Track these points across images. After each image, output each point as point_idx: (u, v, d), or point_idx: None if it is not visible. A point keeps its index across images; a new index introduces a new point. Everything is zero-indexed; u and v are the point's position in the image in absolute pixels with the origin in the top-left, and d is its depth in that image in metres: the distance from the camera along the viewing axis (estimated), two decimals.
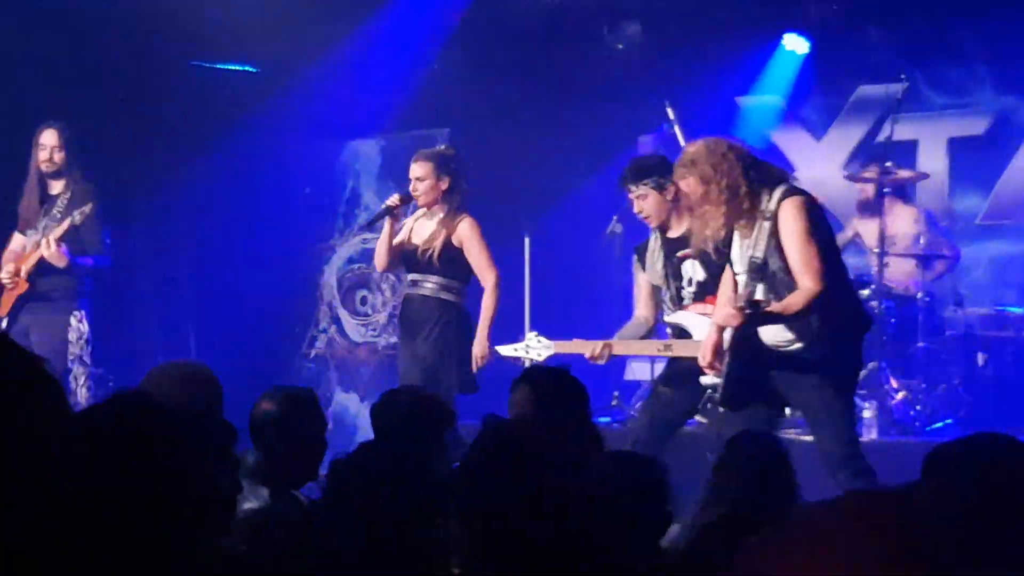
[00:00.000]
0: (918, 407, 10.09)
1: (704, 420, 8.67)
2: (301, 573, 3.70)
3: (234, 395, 5.57)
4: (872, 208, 10.74)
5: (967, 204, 11.90)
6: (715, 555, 4.16)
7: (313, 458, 5.41)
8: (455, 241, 8.91)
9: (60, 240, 9.21)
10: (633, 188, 8.28)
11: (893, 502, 1.57)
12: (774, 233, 7.01)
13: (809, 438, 8.91)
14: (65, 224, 9.16)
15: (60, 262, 9.18)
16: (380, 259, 9.26)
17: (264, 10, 11.35)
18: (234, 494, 2.87)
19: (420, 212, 9.15)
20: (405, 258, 9.13)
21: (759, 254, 7.04)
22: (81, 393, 9.33)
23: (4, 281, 9.40)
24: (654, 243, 8.39)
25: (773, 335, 7.08)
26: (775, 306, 6.98)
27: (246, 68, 12.95)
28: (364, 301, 12.61)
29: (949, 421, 10.01)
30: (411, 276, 9.13)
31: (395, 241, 9.10)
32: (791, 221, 7.02)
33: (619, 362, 11.53)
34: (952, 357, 10.42)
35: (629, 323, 8.58)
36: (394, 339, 11.04)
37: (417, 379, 8.44)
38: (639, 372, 11.22)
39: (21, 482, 1.39)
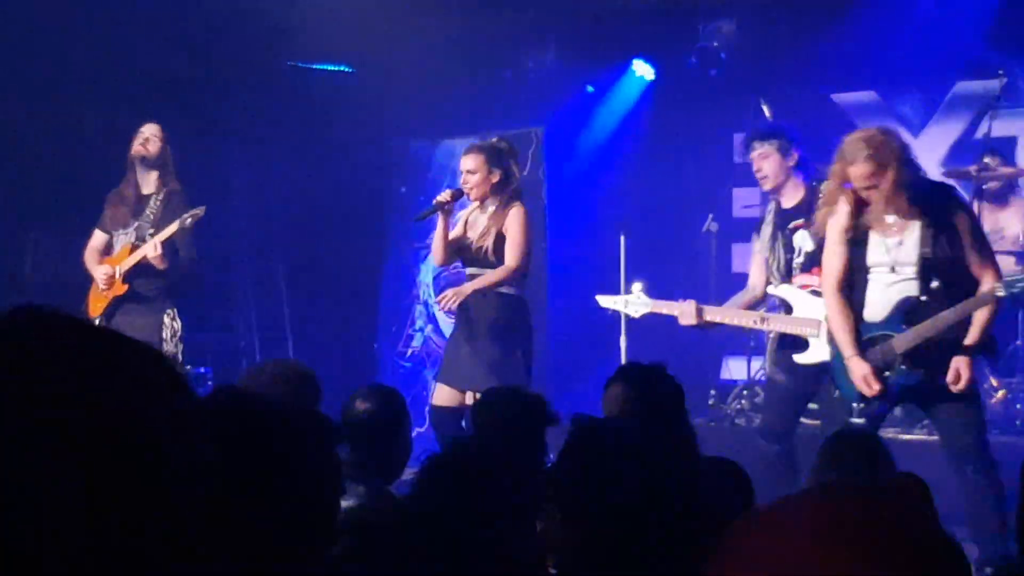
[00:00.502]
0: (1018, 406, 10.01)
1: (809, 422, 8.65)
2: (399, 572, 3.71)
3: (331, 394, 5.63)
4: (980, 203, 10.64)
5: None
6: None
7: (403, 455, 5.47)
8: (505, 232, 8.79)
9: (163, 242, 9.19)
10: (757, 146, 8.41)
11: (862, 496, 1.56)
12: (945, 228, 6.98)
13: (907, 437, 8.86)
14: (174, 226, 9.05)
15: (162, 264, 9.18)
16: (436, 255, 9.17)
17: (360, 10, 11.40)
18: (339, 496, 2.85)
19: (474, 205, 9.05)
20: (462, 252, 9.04)
21: (928, 249, 7.00)
22: None
23: (101, 285, 9.45)
24: (769, 214, 8.48)
25: (944, 334, 7.04)
26: (985, 321, 7.00)
27: (342, 68, 13.03)
28: None
29: None
30: (469, 271, 8.99)
31: (450, 236, 9.01)
32: (963, 216, 7.06)
33: (716, 361, 11.50)
34: None
35: (740, 292, 8.67)
36: None
37: (483, 375, 8.33)
38: (736, 371, 11.18)
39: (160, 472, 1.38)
